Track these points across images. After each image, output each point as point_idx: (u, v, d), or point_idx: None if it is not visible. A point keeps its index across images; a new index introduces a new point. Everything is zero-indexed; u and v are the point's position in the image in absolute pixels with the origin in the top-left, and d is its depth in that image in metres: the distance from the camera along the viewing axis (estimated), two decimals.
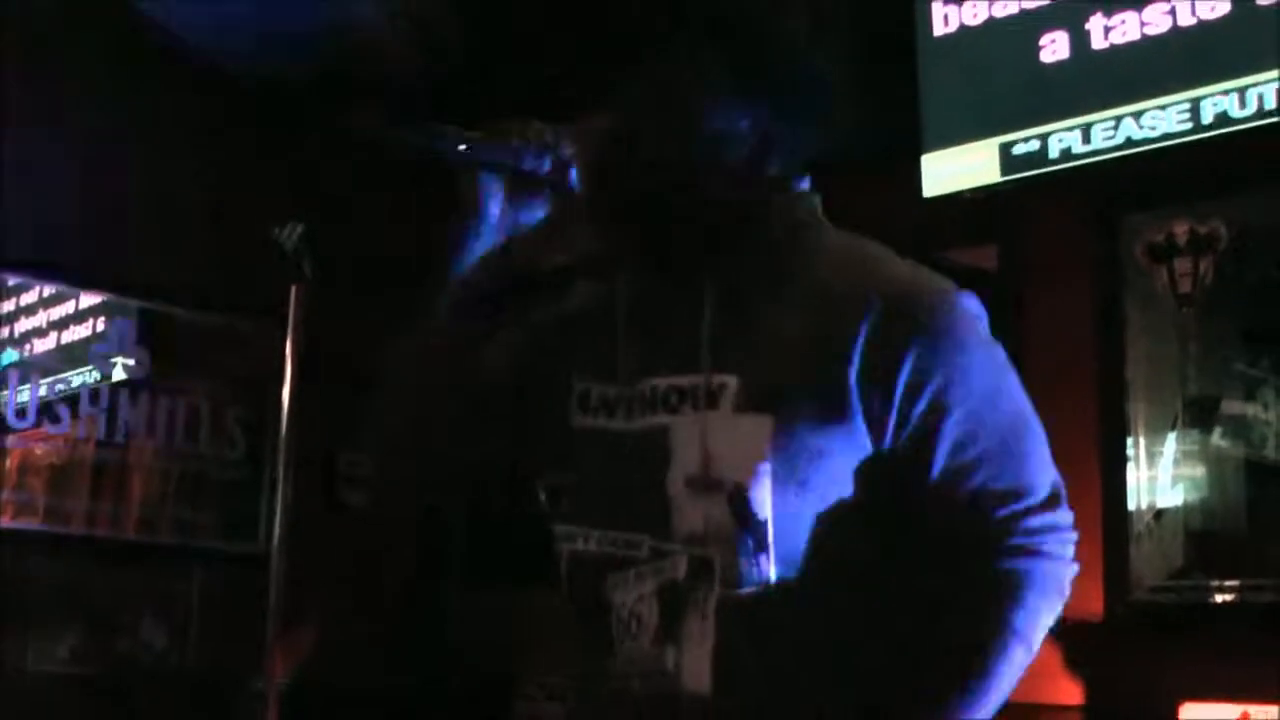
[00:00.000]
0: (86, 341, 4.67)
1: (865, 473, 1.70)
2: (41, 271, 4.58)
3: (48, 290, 4.62)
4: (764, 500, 1.67)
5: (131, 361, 4.71)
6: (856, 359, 1.68)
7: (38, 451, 4.55)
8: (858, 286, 1.73)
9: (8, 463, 4.48)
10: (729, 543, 1.68)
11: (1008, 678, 1.72)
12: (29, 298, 4.60)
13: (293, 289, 2.32)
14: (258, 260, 2.52)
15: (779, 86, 1.80)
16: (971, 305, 1.82)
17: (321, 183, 4.88)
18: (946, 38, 3.97)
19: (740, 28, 1.78)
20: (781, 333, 1.71)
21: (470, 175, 1.82)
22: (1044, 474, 1.77)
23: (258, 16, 4.47)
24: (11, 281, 4.55)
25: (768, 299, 1.74)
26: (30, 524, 4.51)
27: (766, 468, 1.67)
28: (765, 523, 1.67)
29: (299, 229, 2.45)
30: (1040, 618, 1.76)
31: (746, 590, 1.67)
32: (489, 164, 1.82)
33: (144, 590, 4.60)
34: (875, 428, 1.69)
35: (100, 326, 4.68)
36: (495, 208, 1.82)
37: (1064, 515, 1.76)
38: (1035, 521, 1.73)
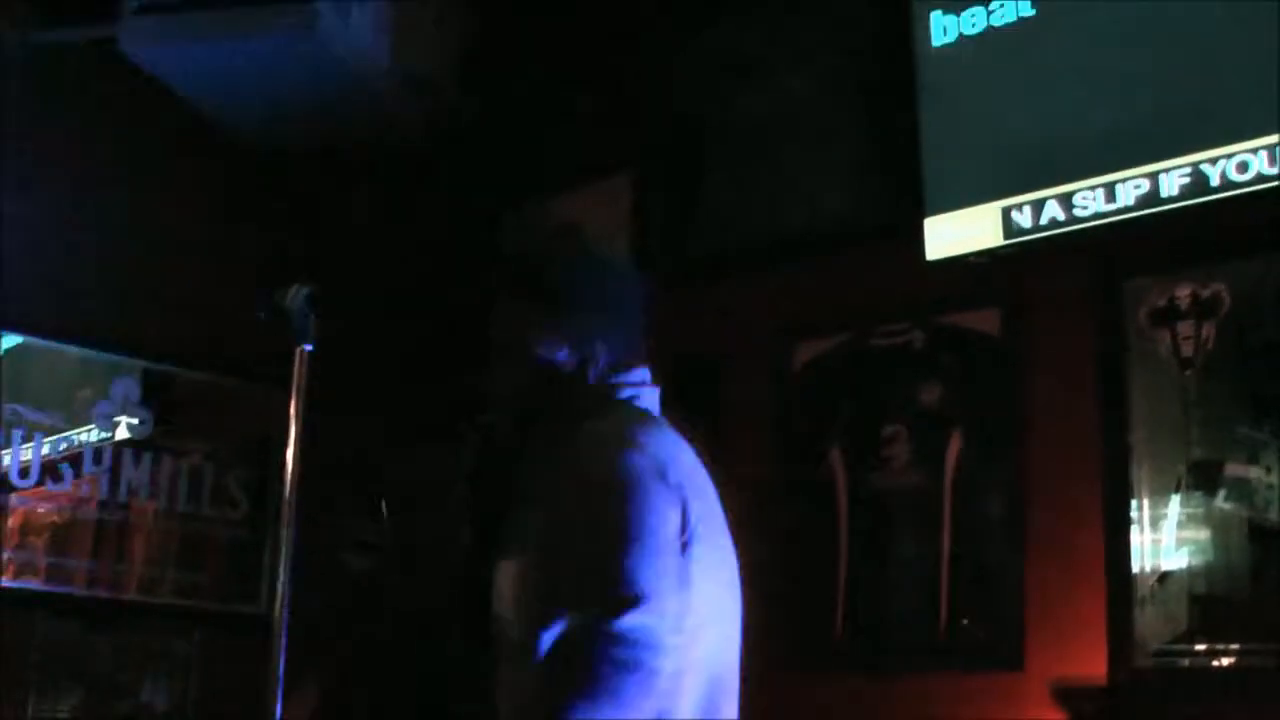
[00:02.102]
0: (90, 401, 4.67)
1: None
2: (44, 332, 4.60)
3: (53, 350, 4.63)
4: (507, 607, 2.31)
5: (134, 421, 4.71)
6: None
7: (40, 510, 4.54)
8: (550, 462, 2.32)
9: (10, 521, 4.48)
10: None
11: None
12: (34, 359, 4.61)
13: (296, 351, 2.31)
14: (262, 322, 2.52)
15: (582, 322, 2.42)
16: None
17: (327, 245, 4.90)
18: (948, 100, 4.00)
19: (542, 286, 2.42)
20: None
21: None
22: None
23: (264, 82, 4.50)
24: (13, 340, 4.56)
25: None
26: (32, 583, 4.50)
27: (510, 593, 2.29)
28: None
29: (303, 291, 2.46)
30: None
31: None
32: None
33: (145, 651, 4.58)
34: None
35: (103, 386, 4.69)
36: None
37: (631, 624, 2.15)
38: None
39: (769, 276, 4.42)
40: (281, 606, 2.18)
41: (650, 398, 2.52)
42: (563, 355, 2.41)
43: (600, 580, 2.16)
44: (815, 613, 4.14)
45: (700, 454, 2.44)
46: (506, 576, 2.28)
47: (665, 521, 2.24)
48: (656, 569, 2.19)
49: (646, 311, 2.52)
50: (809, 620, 4.15)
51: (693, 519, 2.29)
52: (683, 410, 4.37)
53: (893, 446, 4.13)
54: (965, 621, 3.92)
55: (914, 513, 4.06)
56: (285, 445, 2.24)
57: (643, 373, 2.50)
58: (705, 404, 4.40)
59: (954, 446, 4.03)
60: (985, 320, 4.02)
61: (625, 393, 2.47)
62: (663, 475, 2.27)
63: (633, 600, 2.14)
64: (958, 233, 3.93)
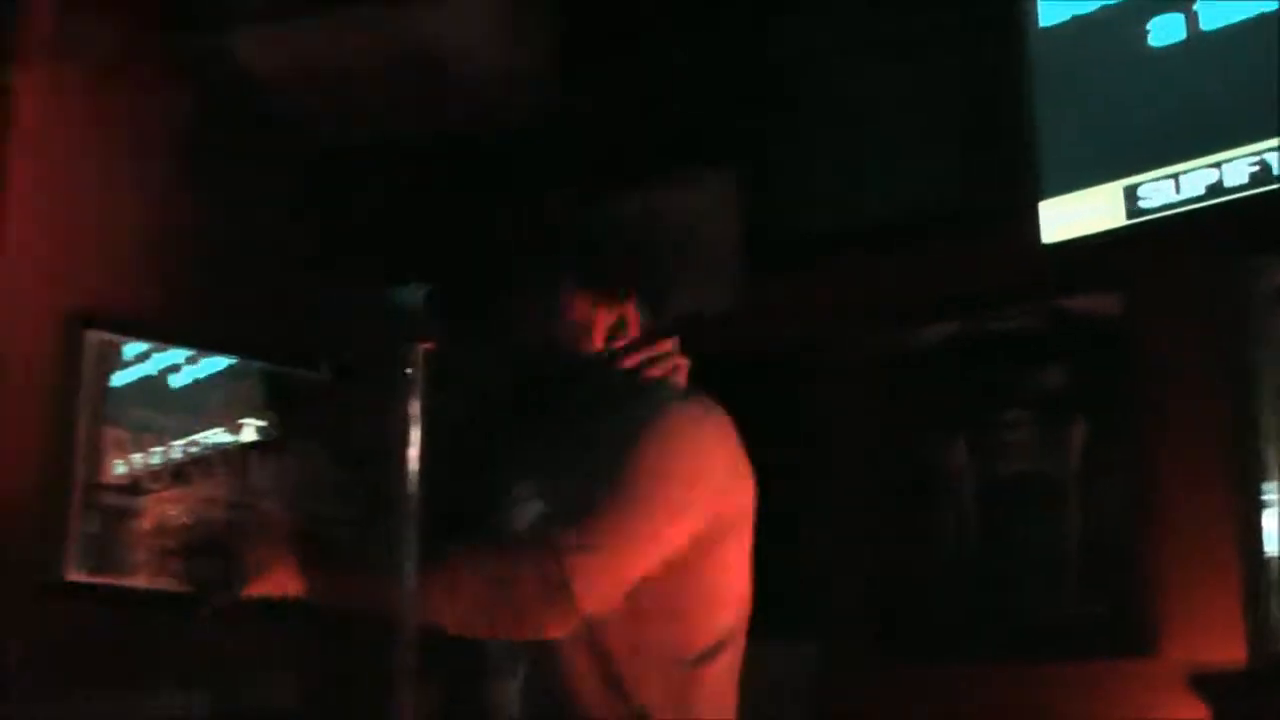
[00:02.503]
0: (215, 404, 4.74)
1: None
2: (169, 338, 4.67)
3: (178, 355, 4.70)
4: None
5: (259, 423, 4.78)
6: None
7: (171, 513, 4.62)
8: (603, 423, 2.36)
9: (145, 524, 4.56)
10: None
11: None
12: (160, 363, 4.69)
13: (417, 349, 2.32)
14: (383, 321, 2.54)
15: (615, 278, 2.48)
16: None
17: (443, 243, 4.93)
18: (1060, 80, 3.95)
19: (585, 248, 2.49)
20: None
21: None
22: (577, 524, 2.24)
23: (364, 79, 4.53)
24: (140, 348, 4.64)
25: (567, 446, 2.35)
26: (168, 584, 4.57)
27: None
28: None
29: (422, 288, 2.47)
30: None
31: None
32: None
33: (273, 649, 4.64)
34: None
35: (228, 389, 4.76)
36: None
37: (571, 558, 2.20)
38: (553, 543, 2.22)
39: (876, 262, 4.38)
40: (404, 604, 2.19)
41: (681, 371, 2.56)
42: (592, 316, 2.48)
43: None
44: (934, 602, 4.11)
45: (737, 432, 2.52)
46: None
47: (671, 523, 2.32)
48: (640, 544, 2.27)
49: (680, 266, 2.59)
50: (928, 610, 4.11)
51: (722, 517, 2.41)
52: (792, 401, 4.37)
53: (1013, 432, 4.08)
54: (1095, 608, 3.87)
55: (1037, 498, 4.02)
56: (406, 444, 2.25)
57: (674, 343, 2.56)
58: (812, 393, 4.38)
59: (1077, 431, 3.98)
60: (1106, 303, 3.96)
61: (656, 370, 2.51)
62: (694, 482, 2.36)
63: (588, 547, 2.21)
64: (1076, 214, 3.88)
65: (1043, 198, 3.92)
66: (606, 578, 2.23)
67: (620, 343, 2.49)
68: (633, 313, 2.51)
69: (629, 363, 2.50)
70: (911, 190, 4.35)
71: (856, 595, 4.20)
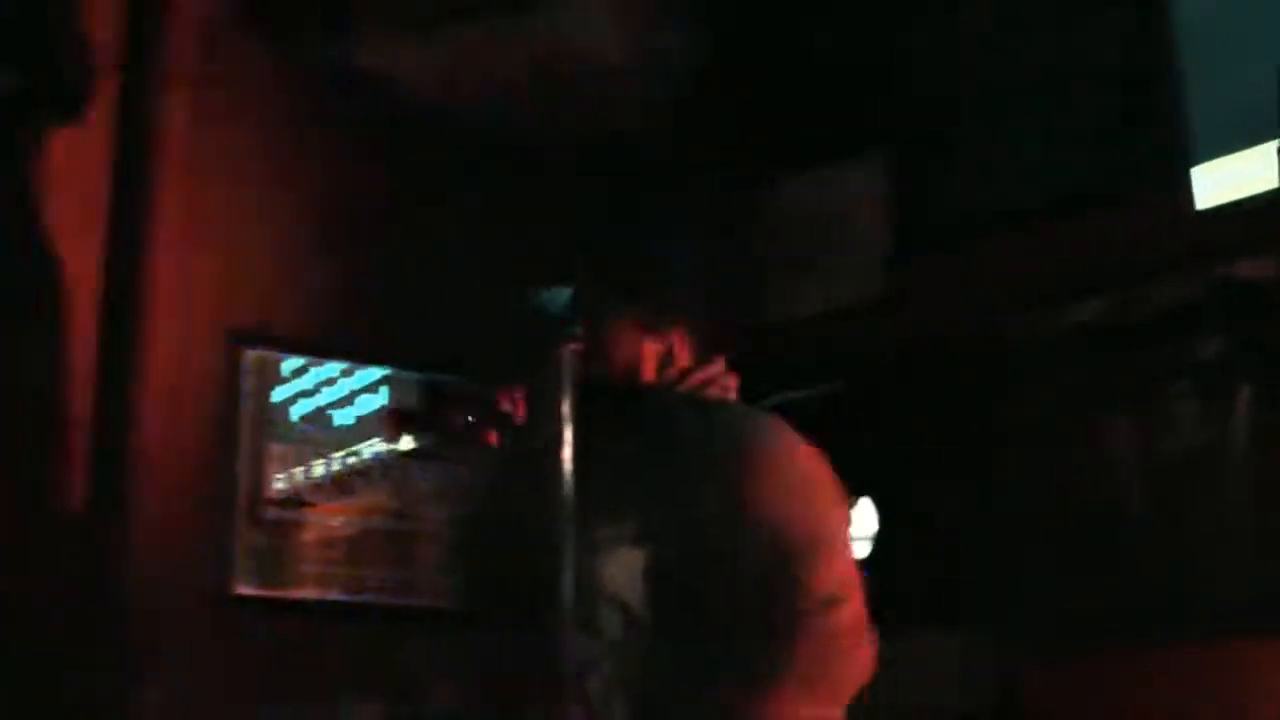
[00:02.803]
0: (374, 414, 4.80)
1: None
2: (322, 350, 4.74)
3: (334, 368, 4.77)
4: (637, 599, 2.41)
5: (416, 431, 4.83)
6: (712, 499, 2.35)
7: (333, 524, 4.68)
8: (699, 449, 2.41)
9: (306, 535, 4.63)
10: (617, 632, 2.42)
11: None
12: (316, 376, 4.75)
13: (563, 351, 2.33)
14: (529, 325, 2.55)
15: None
16: (780, 447, 2.46)
17: (580, 241, 4.94)
18: (1209, 44, 3.86)
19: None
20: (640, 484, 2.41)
21: None
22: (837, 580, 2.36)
23: (501, 79, 4.55)
24: (297, 363, 4.71)
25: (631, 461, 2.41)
26: (331, 594, 4.64)
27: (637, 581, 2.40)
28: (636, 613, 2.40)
29: (567, 290, 2.48)
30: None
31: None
32: None
33: (440, 655, 4.68)
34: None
35: (385, 399, 4.81)
36: None
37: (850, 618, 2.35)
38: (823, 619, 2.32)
39: (1028, 240, 4.30)
40: (567, 606, 2.20)
41: (732, 389, 2.62)
42: (640, 348, 2.54)
43: (816, 569, 2.32)
44: (1110, 583, 4.03)
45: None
46: (625, 563, 2.38)
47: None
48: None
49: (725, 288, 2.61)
50: (1103, 591, 4.03)
51: None
52: (952, 386, 4.32)
53: (1176, 404, 3.99)
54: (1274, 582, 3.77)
55: (1206, 471, 3.93)
56: (559, 445, 2.26)
57: (723, 361, 2.62)
58: (970, 375, 4.32)
59: (1242, 399, 3.88)
60: (1264, 267, 3.86)
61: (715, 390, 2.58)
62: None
63: (850, 590, 2.33)
64: (1230, 178, 3.78)
65: (1195, 163, 3.83)
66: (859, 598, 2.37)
67: (672, 371, 2.54)
68: (680, 341, 2.56)
69: (691, 385, 2.56)
70: (1062, 164, 4.27)
71: (1027, 580, 4.13)
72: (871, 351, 4.61)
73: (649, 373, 2.55)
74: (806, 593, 2.33)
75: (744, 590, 2.40)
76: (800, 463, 2.45)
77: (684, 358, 2.56)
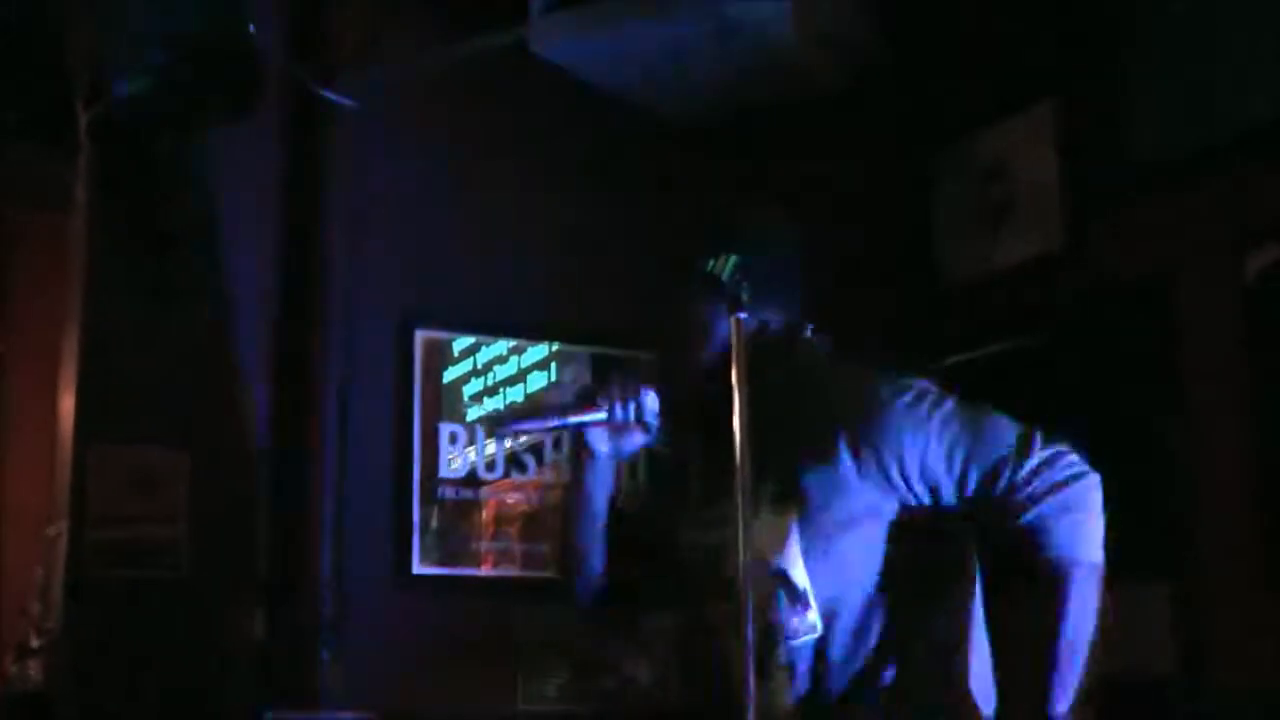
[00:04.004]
0: (544, 390, 4.82)
1: (897, 524, 2.41)
2: (493, 328, 4.77)
3: (503, 346, 4.79)
4: (800, 573, 2.38)
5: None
6: (848, 460, 2.38)
7: (509, 501, 4.71)
8: (838, 409, 2.43)
9: (483, 514, 4.67)
10: (780, 608, 2.39)
11: (1089, 604, 2.32)
12: (487, 354, 4.78)
13: (731, 320, 2.31)
14: (699, 294, 2.55)
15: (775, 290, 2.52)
16: (905, 392, 2.45)
17: (754, 213, 4.90)
18: None
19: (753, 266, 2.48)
20: (796, 451, 2.40)
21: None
22: (1005, 437, 2.37)
23: (673, 60, 4.53)
24: (467, 341, 4.74)
25: (783, 428, 2.38)
26: (509, 571, 4.68)
27: (794, 551, 2.37)
28: (805, 590, 2.38)
29: (732, 259, 2.47)
30: (1081, 535, 2.33)
31: (799, 639, 2.40)
32: (584, 426, 2.55)
33: (624, 628, 4.69)
34: (887, 493, 2.39)
35: (556, 374, 4.83)
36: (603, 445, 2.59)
37: (1041, 453, 2.34)
38: (1022, 472, 2.32)
39: (1212, 182, 4.17)
40: (744, 575, 2.18)
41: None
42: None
43: (995, 436, 2.39)
44: None
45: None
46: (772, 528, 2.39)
47: None
48: None
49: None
50: None
51: None
52: (1145, 334, 4.21)
53: None
54: None
55: None
56: (730, 412, 2.24)
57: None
58: (1158, 323, 4.20)
59: None
60: None
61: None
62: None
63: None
64: None
65: None
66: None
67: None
68: (771, 317, 2.55)
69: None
70: (1240, 104, 4.12)
71: (1229, 528, 4.02)
72: (1050, 307, 4.52)
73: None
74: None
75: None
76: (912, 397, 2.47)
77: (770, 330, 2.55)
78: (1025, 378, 4.53)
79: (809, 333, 2.60)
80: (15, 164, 4.63)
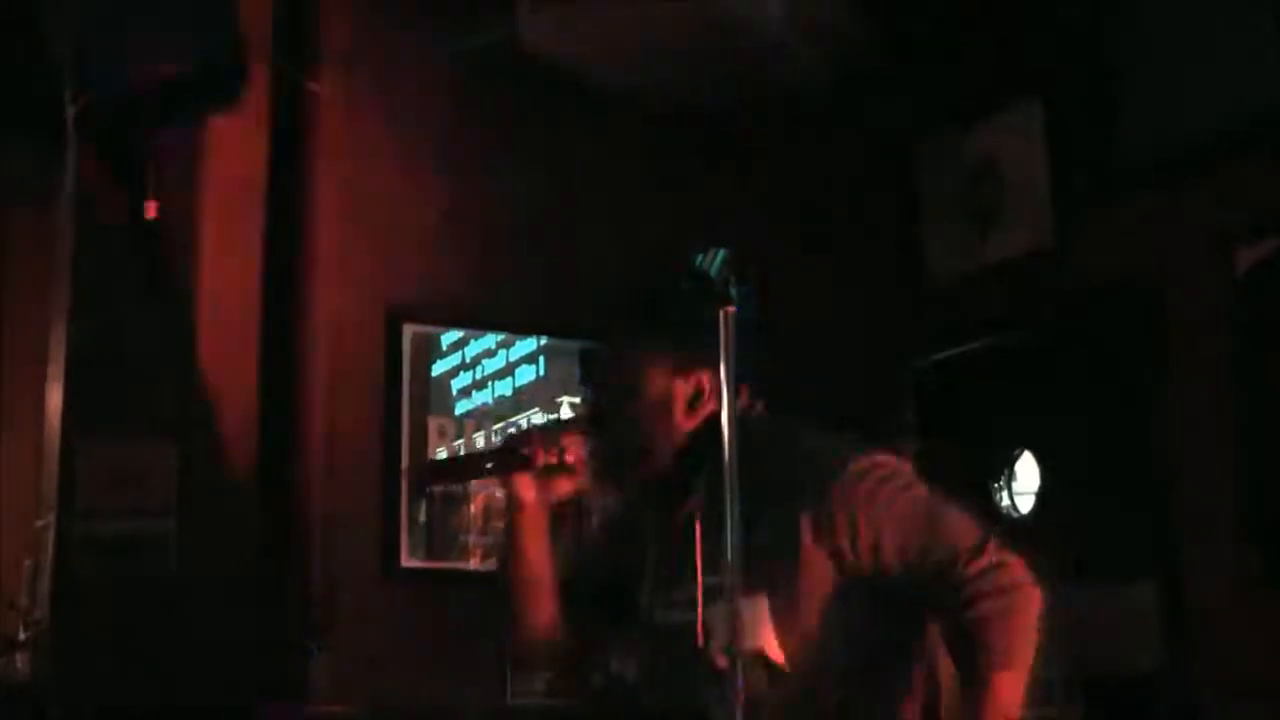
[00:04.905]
0: (533, 385, 4.81)
1: (850, 591, 2.37)
2: (481, 322, 4.77)
3: (491, 340, 4.79)
4: (775, 650, 2.36)
5: (576, 401, 4.83)
6: (809, 529, 2.36)
7: (499, 495, 4.70)
8: (795, 480, 2.38)
9: (473, 508, 4.66)
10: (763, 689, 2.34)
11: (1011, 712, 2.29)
12: (475, 348, 4.78)
13: (720, 314, 2.30)
14: (686, 289, 2.54)
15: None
16: (863, 460, 2.41)
17: (742, 202, 4.91)
18: None
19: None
20: (762, 526, 2.31)
21: None
22: (963, 536, 2.35)
23: (664, 49, 4.53)
24: (455, 335, 4.74)
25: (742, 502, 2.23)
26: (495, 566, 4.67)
27: (768, 630, 2.36)
28: (782, 669, 2.37)
29: (721, 253, 2.45)
30: (1016, 644, 2.31)
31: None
32: (505, 473, 2.50)
33: (613, 627, 4.68)
34: (841, 564, 2.36)
35: (543, 369, 4.83)
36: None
37: (995, 555, 2.33)
38: (971, 570, 2.31)
39: (1200, 179, 4.17)
40: (734, 574, 2.18)
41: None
42: (670, 389, 2.49)
43: (954, 531, 2.37)
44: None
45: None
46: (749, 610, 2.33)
47: None
48: None
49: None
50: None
51: None
52: (1136, 331, 4.21)
53: None
54: None
55: None
56: (719, 410, 2.24)
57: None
58: (1145, 320, 4.21)
59: None
60: None
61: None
62: None
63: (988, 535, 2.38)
64: None
65: None
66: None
67: (700, 412, 2.47)
68: (708, 380, 2.46)
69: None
70: (1239, 104, 4.12)
71: (1213, 525, 4.02)
72: (1038, 303, 4.53)
73: (678, 416, 2.49)
74: (957, 566, 2.35)
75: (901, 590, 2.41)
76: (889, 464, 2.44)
77: (710, 399, 2.47)
78: (1013, 374, 4.54)
79: (759, 407, 2.54)
80: (1, 158, 4.62)
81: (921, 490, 2.42)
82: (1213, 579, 3.97)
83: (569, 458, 2.49)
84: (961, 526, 2.38)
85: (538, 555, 2.57)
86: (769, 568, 2.36)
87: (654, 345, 2.50)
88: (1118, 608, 4.12)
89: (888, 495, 2.39)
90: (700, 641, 2.39)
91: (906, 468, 2.45)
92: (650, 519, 2.59)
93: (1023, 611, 2.34)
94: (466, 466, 2.62)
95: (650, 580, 2.58)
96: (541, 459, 2.48)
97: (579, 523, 2.71)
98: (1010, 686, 2.31)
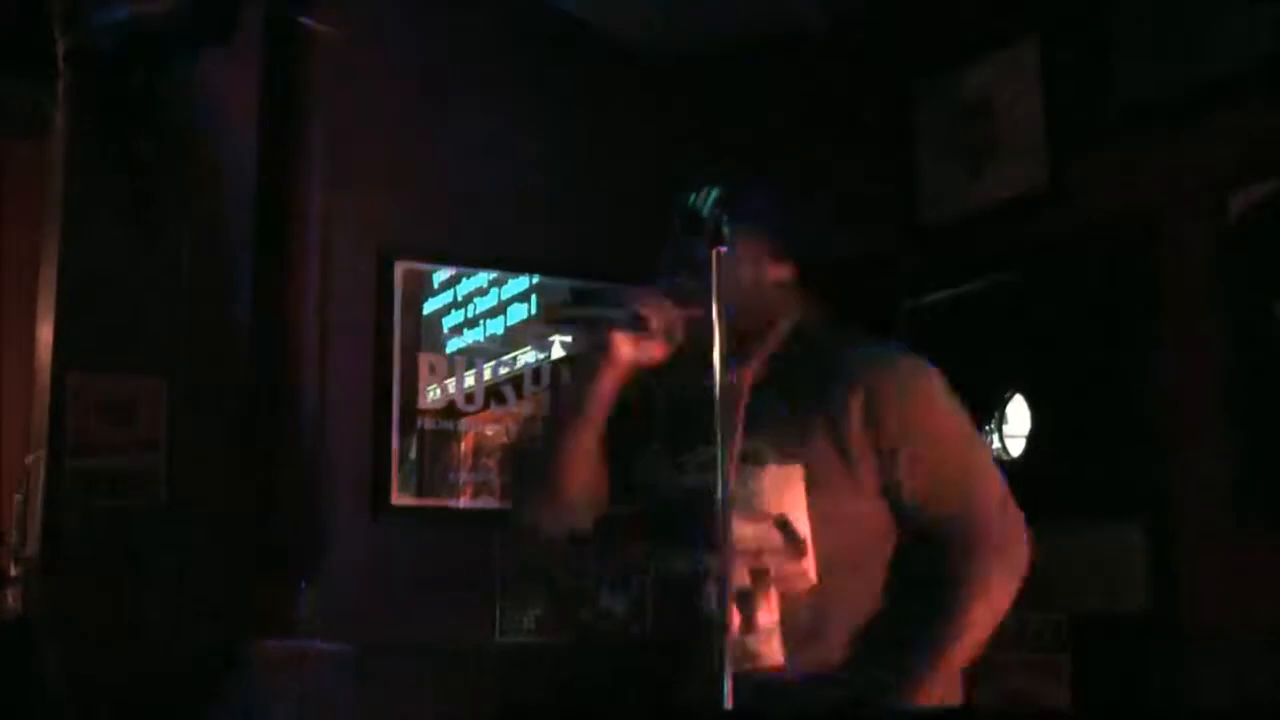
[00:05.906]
0: (524, 323, 4.81)
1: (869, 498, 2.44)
2: (474, 260, 4.76)
3: (484, 278, 4.78)
4: (802, 521, 2.39)
5: (567, 339, 4.83)
6: (849, 424, 2.41)
7: (489, 433, 4.72)
8: (844, 371, 2.46)
9: (463, 446, 4.67)
10: (778, 555, 2.40)
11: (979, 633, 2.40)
12: (467, 287, 4.77)
13: (712, 254, 2.29)
14: (679, 227, 2.53)
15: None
16: (918, 366, 2.51)
17: (740, 146, 4.89)
18: None
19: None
20: (798, 406, 2.43)
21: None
22: (991, 482, 2.48)
23: None
24: (447, 274, 4.73)
25: (785, 382, 2.46)
26: (489, 503, 4.68)
27: (800, 500, 2.39)
28: (804, 539, 2.39)
29: (713, 192, 2.44)
30: (997, 586, 2.41)
31: (796, 589, 2.40)
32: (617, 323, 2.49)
33: (601, 561, 4.71)
34: (869, 468, 2.42)
35: (535, 308, 4.82)
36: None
37: (1010, 510, 2.46)
38: (984, 514, 2.43)
39: (1196, 122, 4.15)
40: (725, 516, 2.18)
41: None
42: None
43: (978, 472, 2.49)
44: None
45: None
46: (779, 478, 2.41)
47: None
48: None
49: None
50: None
51: None
52: (1118, 272, 4.21)
53: None
54: None
55: None
56: (710, 347, 2.23)
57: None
58: (1139, 262, 4.19)
59: None
60: None
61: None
62: None
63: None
64: None
65: None
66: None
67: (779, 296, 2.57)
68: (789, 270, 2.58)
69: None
70: (1238, 46, 4.09)
71: (1203, 467, 4.02)
72: (1032, 244, 4.51)
73: (771, 302, 2.54)
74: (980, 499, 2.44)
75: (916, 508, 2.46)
76: (938, 385, 2.51)
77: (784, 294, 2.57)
78: (1006, 315, 4.53)
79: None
80: None
81: (965, 418, 2.51)
82: (1203, 520, 3.98)
83: (678, 334, 2.47)
84: (991, 474, 2.49)
85: (601, 403, 2.51)
86: (813, 443, 2.42)
87: (755, 232, 2.52)
88: (1109, 547, 4.12)
89: (941, 409, 2.48)
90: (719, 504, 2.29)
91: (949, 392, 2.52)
92: (665, 391, 2.63)
93: (1014, 564, 2.43)
94: (594, 317, 2.56)
95: (660, 447, 2.60)
96: (656, 326, 2.46)
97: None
98: (982, 625, 2.40)
